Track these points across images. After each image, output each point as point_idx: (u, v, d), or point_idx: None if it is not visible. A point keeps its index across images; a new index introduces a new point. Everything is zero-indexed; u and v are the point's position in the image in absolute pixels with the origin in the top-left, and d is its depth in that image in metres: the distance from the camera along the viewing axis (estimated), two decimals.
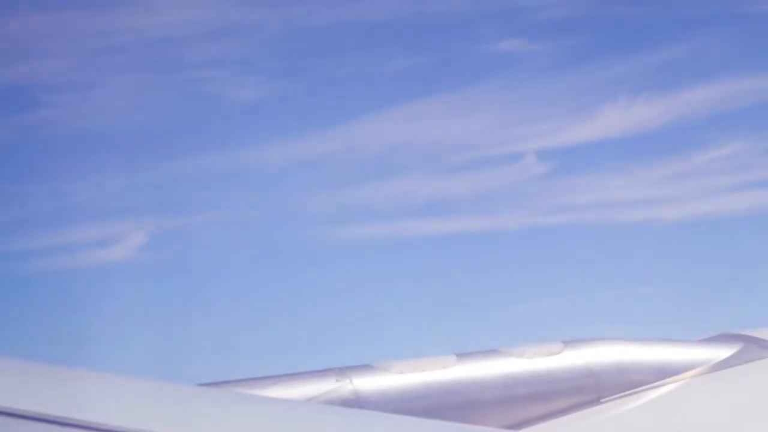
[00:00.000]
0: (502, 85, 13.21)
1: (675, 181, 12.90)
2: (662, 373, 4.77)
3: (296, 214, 12.77)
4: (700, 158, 12.82)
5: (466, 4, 13.21)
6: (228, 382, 4.25)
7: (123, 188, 12.39)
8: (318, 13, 12.73)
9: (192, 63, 12.84)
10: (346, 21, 12.87)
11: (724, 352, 4.90)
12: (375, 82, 12.95)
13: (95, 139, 12.46)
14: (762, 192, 12.56)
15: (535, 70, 13.11)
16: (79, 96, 12.79)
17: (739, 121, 12.72)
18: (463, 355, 4.66)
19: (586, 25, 13.12)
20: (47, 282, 11.97)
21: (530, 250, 12.54)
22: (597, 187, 13.06)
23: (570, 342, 4.83)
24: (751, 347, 4.92)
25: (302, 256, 12.49)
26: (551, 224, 12.95)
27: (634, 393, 4.69)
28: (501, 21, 13.13)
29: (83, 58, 12.47)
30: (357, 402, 4.24)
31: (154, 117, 12.88)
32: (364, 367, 4.43)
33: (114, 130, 12.60)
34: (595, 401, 4.65)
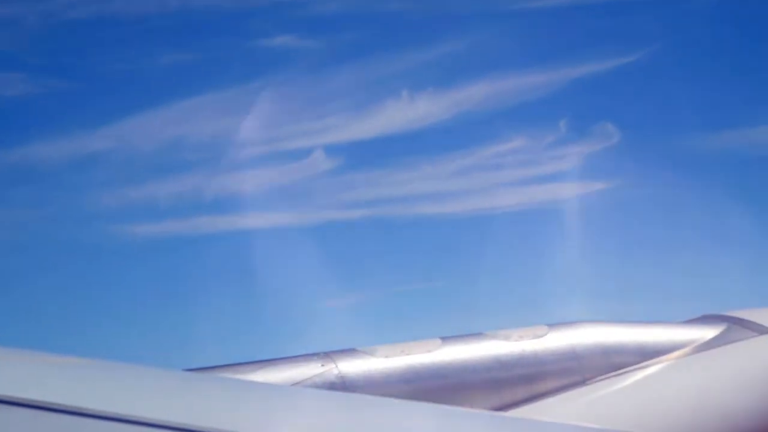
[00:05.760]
0: (279, 82, 13.13)
1: (461, 175, 13.00)
2: (646, 354, 4.79)
3: (82, 214, 12.58)
4: (484, 153, 12.94)
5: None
6: (212, 367, 4.24)
7: None
8: (80, 7, 12.42)
9: None
10: (110, 15, 12.60)
11: (708, 332, 4.93)
12: (146, 78, 12.76)
13: None
14: (547, 186, 12.71)
15: (311, 67, 13.06)
16: None
17: (522, 116, 12.84)
18: (448, 338, 4.67)
19: (360, 20, 13.07)
20: None
21: (325, 245, 12.48)
22: (386, 182, 13.11)
23: (554, 325, 4.85)
24: (734, 328, 4.94)
25: (97, 256, 12.37)
26: (344, 219, 12.95)
27: (619, 374, 4.71)
28: (272, 17, 12.98)
29: None
30: (343, 386, 4.24)
31: None
32: (350, 351, 4.43)
33: None
34: (580, 383, 4.67)
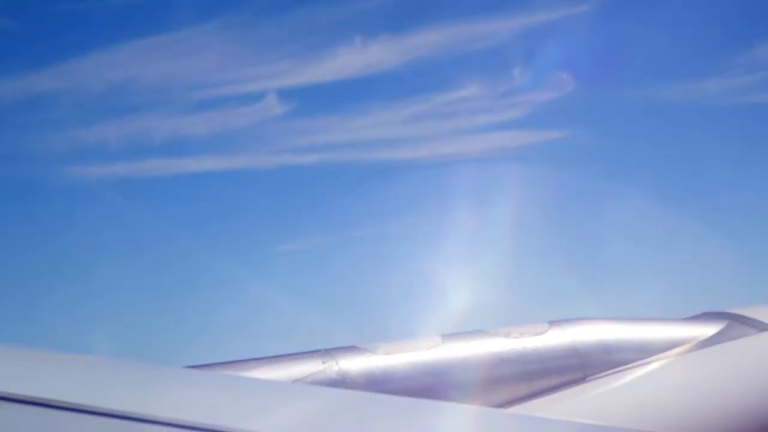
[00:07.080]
0: (231, 24, 13.03)
1: (416, 122, 12.98)
2: (647, 351, 4.79)
3: (31, 155, 12.50)
4: (439, 100, 12.92)
5: None
6: (213, 364, 4.24)
7: None
8: None
9: None
10: None
11: (709, 329, 4.93)
12: (95, 18, 12.66)
13: None
14: (501, 134, 12.67)
15: (263, 9, 12.93)
16: None
17: (476, 64, 12.74)
18: (448, 335, 4.67)
19: None
20: None
21: (277, 190, 12.47)
22: (340, 127, 13.07)
23: (555, 321, 4.84)
24: (736, 325, 4.94)
25: (46, 197, 12.30)
26: (298, 164, 12.95)
27: (619, 371, 4.71)
28: None
29: None
30: (343, 383, 4.24)
31: None
32: (350, 348, 4.43)
33: None
34: (581, 380, 4.67)
